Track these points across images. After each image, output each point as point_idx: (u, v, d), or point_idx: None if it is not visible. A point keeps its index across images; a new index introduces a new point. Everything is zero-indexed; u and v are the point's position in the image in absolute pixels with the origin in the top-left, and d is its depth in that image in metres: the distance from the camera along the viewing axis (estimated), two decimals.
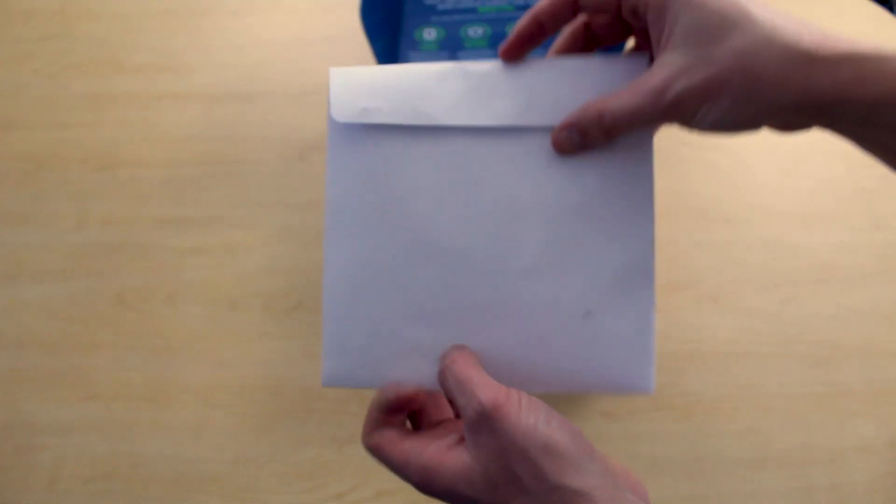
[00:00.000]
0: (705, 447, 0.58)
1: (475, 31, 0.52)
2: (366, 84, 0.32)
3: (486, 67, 0.32)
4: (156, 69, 0.73)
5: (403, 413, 0.32)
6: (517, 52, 0.32)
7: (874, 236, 0.64)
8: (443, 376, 0.30)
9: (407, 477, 0.30)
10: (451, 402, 0.31)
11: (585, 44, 0.33)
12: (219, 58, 0.73)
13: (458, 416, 0.34)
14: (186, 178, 0.68)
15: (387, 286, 0.32)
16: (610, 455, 0.53)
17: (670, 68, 0.27)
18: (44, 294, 0.64)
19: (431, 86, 0.32)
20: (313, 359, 0.61)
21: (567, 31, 0.33)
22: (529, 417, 0.27)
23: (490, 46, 0.52)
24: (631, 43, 0.33)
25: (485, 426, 0.27)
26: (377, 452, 0.31)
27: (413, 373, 0.32)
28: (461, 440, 0.30)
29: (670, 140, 0.67)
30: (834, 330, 0.61)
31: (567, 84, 0.31)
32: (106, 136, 0.70)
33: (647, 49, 0.32)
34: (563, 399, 0.59)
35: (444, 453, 0.29)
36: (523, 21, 0.31)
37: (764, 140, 0.67)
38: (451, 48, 0.52)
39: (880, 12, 0.72)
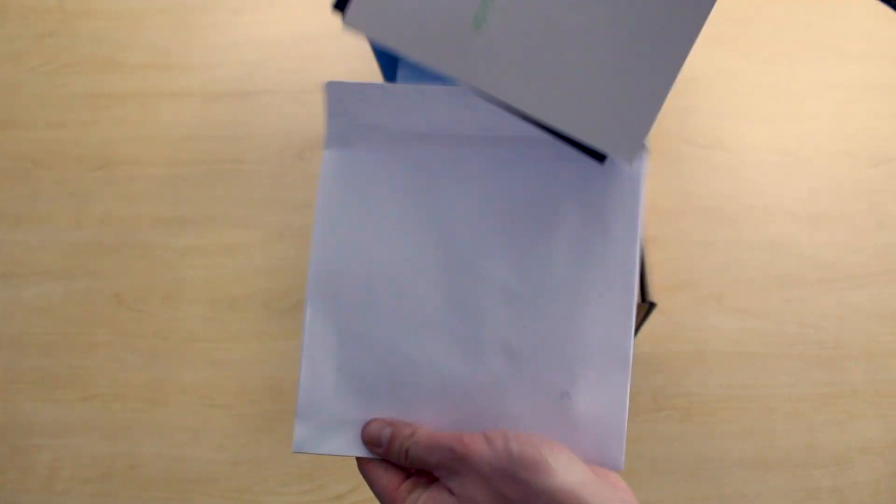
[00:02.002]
0: (707, 448, 0.57)
1: None
2: (363, 99, 0.32)
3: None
4: (154, 67, 0.72)
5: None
6: None
7: (878, 236, 0.64)
8: (407, 452, 0.31)
9: None
10: (419, 471, 0.32)
11: None
12: (218, 56, 0.72)
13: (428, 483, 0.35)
14: (185, 177, 0.68)
15: (366, 352, 0.32)
16: None
17: None
18: (41, 294, 0.64)
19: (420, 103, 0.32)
20: None
21: None
22: (497, 443, 0.29)
23: None
24: None
25: (461, 466, 0.29)
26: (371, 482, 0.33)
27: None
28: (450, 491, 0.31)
29: (673, 139, 0.67)
30: (837, 330, 0.61)
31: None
32: (104, 135, 0.70)
33: None
34: None
35: (438, 498, 0.30)
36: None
37: (767, 139, 0.67)
38: None
39: (887, 11, 0.71)
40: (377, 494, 0.33)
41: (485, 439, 0.29)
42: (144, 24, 0.74)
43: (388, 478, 0.33)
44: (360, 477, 0.57)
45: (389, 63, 0.54)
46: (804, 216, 0.64)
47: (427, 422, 0.32)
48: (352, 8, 0.28)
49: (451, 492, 0.30)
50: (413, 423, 0.32)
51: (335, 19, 0.73)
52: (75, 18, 0.75)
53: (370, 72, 0.70)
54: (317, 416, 0.34)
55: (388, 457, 0.32)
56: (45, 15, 0.75)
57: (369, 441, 0.33)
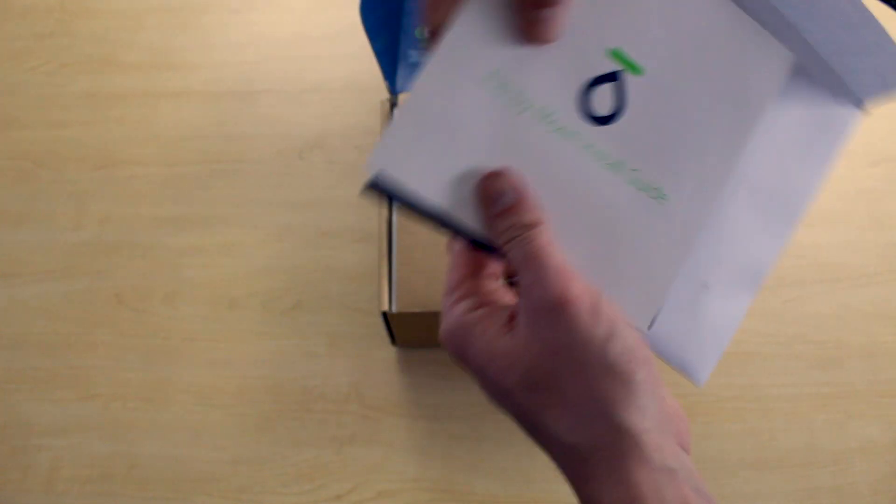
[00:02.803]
0: (707, 448, 0.57)
1: None
2: None
3: None
4: (155, 67, 0.72)
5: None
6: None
7: (878, 236, 0.64)
8: (510, 242, 0.25)
9: (444, 312, 0.26)
10: (509, 272, 0.27)
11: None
12: (218, 55, 0.72)
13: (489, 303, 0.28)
14: (185, 176, 0.68)
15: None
16: None
17: None
18: (41, 294, 0.64)
19: None
20: (313, 358, 0.61)
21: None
22: (602, 328, 0.23)
23: None
24: None
25: (546, 318, 0.23)
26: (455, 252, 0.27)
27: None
28: (511, 319, 0.25)
29: None
30: (837, 330, 0.61)
31: None
32: (104, 135, 0.70)
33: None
34: None
35: (492, 322, 0.25)
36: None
37: None
38: None
39: (887, 11, 0.71)
40: (453, 265, 0.27)
41: (593, 312, 0.23)
42: (144, 23, 0.74)
43: (468, 257, 0.27)
44: (361, 477, 0.57)
45: (390, 65, 0.54)
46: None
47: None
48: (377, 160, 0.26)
49: (510, 328, 0.25)
50: (543, 216, 0.25)
51: (334, 19, 0.73)
52: (75, 18, 0.75)
53: (370, 72, 0.70)
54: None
55: (491, 226, 0.25)
56: (45, 14, 0.75)
57: (485, 195, 0.26)
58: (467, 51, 0.27)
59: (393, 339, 0.59)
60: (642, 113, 0.28)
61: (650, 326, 0.28)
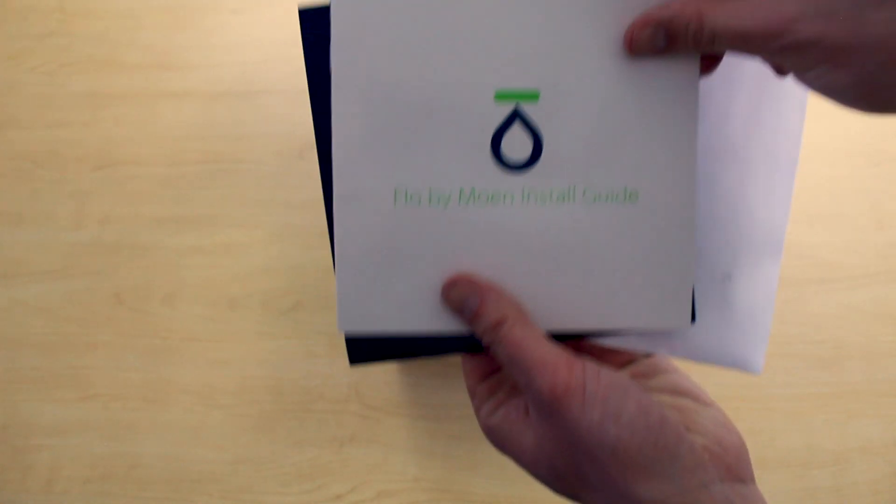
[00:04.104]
0: None
1: None
2: None
3: None
4: (155, 67, 0.72)
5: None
6: None
7: (878, 236, 0.64)
8: (491, 347, 0.26)
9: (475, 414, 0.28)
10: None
11: None
12: (218, 56, 0.72)
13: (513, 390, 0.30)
14: (185, 176, 0.68)
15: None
16: None
17: (801, 5, 0.21)
18: (41, 294, 0.64)
19: None
20: (313, 358, 0.61)
21: None
22: (594, 412, 0.23)
23: None
24: None
25: (547, 415, 0.24)
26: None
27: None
28: (527, 408, 0.26)
29: None
30: (837, 330, 0.61)
31: None
32: (104, 135, 0.70)
33: None
34: None
35: (513, 421, 0.26)
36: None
37: None
38: None
39: None
40: (464, 374, 0.28)
41: (582, 399, 0.23)
42: (145, 24, 0.74)
43: (473, 363, 0.28)
44: (361, 477, 0.57)
45: None
46: (803, 216, 0.64)
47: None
48: (340, 316, 0.29)
49: (528, 421, 0.26)
50: (506, 304, 0.26)
51: None
52: (75, 19, 0.75)
53: None
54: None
55: (472, 330, 0.26)
56: (45, 15, 0.75)
57: (452, 307, 0.27)
58: (361, 185, 0.26)
59: None
60: (562, 133, 0.26)
61: (693, 319, 0.27)
